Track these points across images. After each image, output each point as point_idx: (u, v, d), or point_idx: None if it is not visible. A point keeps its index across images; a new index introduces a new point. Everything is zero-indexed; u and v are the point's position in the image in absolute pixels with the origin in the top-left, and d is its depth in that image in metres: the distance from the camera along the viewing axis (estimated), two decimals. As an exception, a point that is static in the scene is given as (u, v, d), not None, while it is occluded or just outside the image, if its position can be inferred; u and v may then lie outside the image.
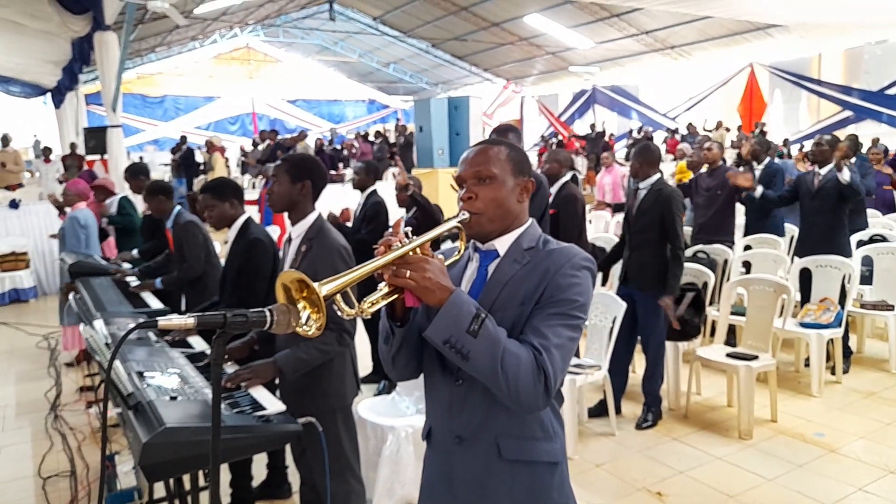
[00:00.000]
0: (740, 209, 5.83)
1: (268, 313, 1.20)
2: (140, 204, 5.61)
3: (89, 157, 9.46)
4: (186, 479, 2.41)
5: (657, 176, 3.99)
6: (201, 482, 2.32)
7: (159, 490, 3.21)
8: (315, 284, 1.19)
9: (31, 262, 8.40)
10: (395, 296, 1.35)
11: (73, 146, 11.53)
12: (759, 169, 5.78)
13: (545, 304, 1.41)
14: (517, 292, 1.44)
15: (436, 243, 1.47)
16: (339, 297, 1.24)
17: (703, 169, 5.68)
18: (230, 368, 2.46)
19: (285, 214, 2.51)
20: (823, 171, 4.89)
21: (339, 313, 1.25)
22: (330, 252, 2.33)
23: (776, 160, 6.66)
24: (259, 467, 3.38)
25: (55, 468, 3.75)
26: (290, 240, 2.48)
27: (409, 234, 1.35)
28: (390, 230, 1.36)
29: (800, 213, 5.09)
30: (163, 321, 1.13)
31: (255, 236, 3.00)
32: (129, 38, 8.40)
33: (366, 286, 1.33)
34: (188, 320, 1.15)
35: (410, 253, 1.32)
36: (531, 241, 1.51)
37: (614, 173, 9.12)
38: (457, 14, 18.41)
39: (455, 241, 1.59)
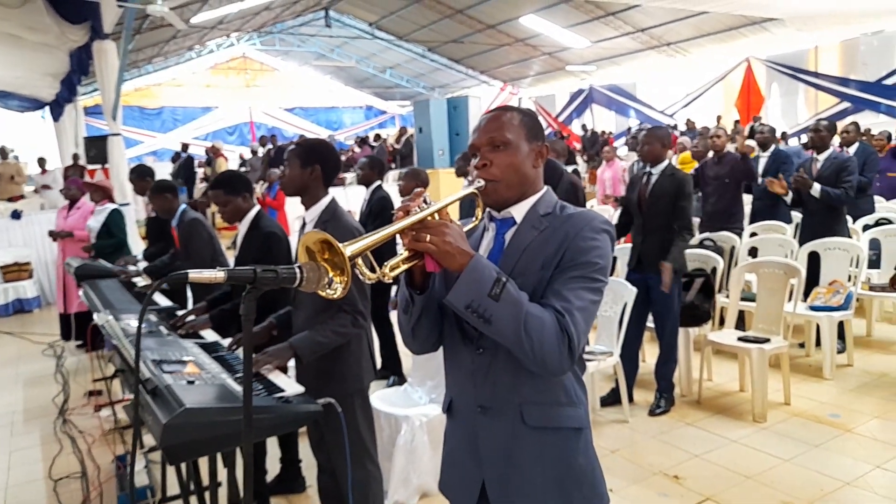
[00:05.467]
0: (747, 197, 5.80)
1: (298, 271, 1.19)
2: (142, 207, 5.57)
3: (90, 167, 9.46)
4: (204, 474, 2.40)
5: (667, 161, 3.99)
6: (219, 476, 2.31)
7: (172, 488, 3.23)
8: (340, 245, 1.18)
9: (34, 272, 8.39)
10: (416, 261, 1.34)
11: (75, 157, 11.52)
12: (764, 156, 5.74)
13: (565, 268, 1.39)
14: (536, 258, 1.42)
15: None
16: (360, 261, 1.23)
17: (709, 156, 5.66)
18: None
19: (287, 213, 2.51)
20: (822, 157, 4.86)
21: (361, 277, 1.24)
22: (344, 234, 2.32)
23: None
24: (273, 462, 3.37)
25: (66, 471, 3.73)
26: (304, 225, 2.48)
27: (428, 201, 1.33)
28: (409, 197, 1.34)
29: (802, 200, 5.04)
30: (193, 274, 1.13)
31: (269, 229, 3.00)
32: (128, 45, 8.41)
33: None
34: (218, 274, 1.14)
35: (430, 218, 1.30)
36: (548, 207, 1.50)
37: (615, 168, 9.17)
38: (452, 17, 18.45)
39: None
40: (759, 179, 5.56)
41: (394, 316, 4.76)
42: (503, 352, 1.39)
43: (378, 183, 4.77)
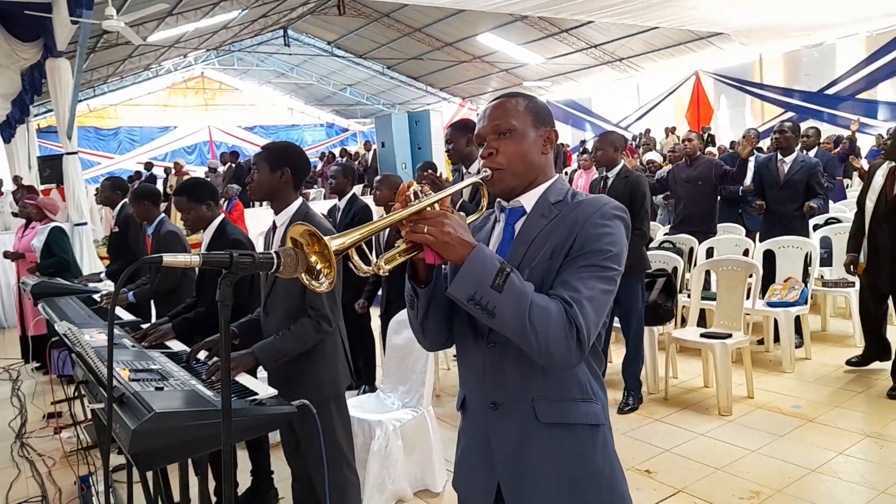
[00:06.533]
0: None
1: (275, 256, 1.17)
2: (99, 227, 5.44)
3: (44, 187, 9.20)
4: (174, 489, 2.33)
5: (622, 163, 4.10)
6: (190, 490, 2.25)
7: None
8: (326, 238, 1.15)
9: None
10: (414, 253, 1.29)
11: (15, 179, 11.20)
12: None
13: (575, 256, 1.33)
14: (545, 247, 1.37)
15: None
16: (354, 253, 1.20)
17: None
18: (210, 361, 2.41)
19: (247, 228, 2.49)
20: (789, 159, 4.95)
21: (354, 270, 1.22)
22: (318, 234, 2.31)
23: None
24: (243, 475, 3.31)
25: (24, 495, 3.60)
26: (274, 228, 2.45)
27: (426, 191, 1.29)
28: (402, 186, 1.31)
29: (765, 201, 5.12)
30: (168, 257, 1.11)
31: (234, 237, 2.96)
32: (83, 63, 8.24)
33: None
34: (194, 258, 1.13)
35: (428, 209, 1.26)
36: (559, 194, 1.44)
37: (590, 175, 9.33)
38: (410, 35, 18.62)
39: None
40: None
41: (372, 325, 4.75)
42: (513, 346, 1.33)
43: (353, 192, 4.73)
